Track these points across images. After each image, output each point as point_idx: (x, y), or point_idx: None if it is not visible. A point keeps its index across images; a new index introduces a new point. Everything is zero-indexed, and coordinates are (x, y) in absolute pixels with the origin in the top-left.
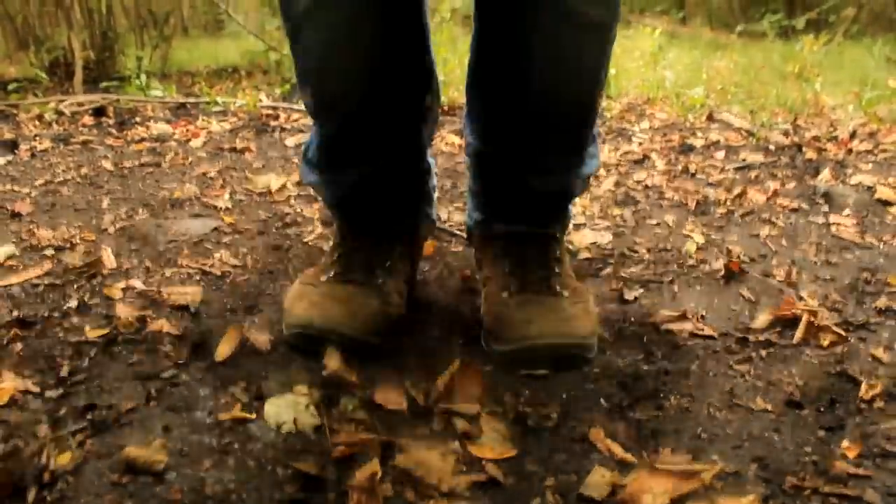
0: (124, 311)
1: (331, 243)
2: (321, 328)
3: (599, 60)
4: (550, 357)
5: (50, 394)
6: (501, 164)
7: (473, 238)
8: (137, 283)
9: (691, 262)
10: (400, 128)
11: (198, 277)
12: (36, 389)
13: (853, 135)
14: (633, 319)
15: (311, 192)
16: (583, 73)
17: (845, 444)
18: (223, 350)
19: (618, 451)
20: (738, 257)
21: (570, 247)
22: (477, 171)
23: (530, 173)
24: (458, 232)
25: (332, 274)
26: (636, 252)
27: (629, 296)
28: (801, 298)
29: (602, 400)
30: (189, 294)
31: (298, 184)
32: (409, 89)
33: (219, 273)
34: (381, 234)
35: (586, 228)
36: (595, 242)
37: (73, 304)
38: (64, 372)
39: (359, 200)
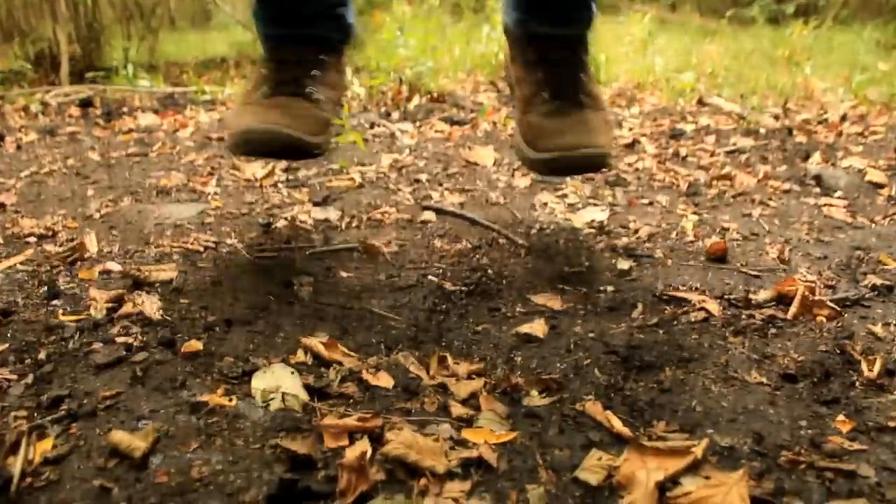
0: (103, 295)
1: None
2: (263, 130)
3: None
4: (580, 165)
5: (28, 380)
6: None
7: (511, 37)
8: (116, 266)
9: (686, 238)
10: None
11: (178, 256)
12: (13, 377)
13: (843, 118)
14: (628, 290)
15: (300, 178)
16: None
17: (840, 418)
18: (206, 325)
19: (615, 424)
20: (729, 235)
21: (570, 224)
22: None
23: None
24: (451, 209)
25: (264, 89)
26: (630, 228)
27: (623, 266)
28: (794, 274)
29: (597, 371)
30: (170, 271)
31: (286, 170)
32: None
33: (201, 250)
34: (303, 41)
35: (582, 209)
36: (592, 220)
37: (52, 289)
38: (42, 357)
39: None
